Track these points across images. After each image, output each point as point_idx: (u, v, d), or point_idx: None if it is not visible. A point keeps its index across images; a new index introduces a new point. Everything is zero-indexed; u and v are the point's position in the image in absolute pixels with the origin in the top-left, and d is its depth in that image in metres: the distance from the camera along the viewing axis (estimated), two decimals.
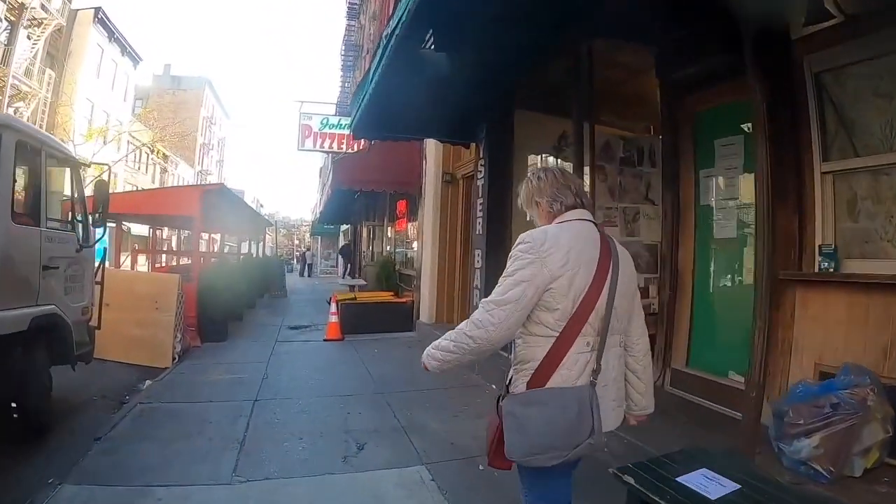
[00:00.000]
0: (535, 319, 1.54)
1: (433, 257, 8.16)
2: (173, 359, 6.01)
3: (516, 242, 1.56)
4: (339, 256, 23.36)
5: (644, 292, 4.46)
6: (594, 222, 1.66)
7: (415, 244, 9.62)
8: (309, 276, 29.24)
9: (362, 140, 11.76)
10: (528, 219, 1.82)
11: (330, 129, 11.71)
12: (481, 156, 5.85)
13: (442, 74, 4.58)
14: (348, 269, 22.19)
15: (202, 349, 6.86)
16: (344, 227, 28.06)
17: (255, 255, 16.04)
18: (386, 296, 9.39)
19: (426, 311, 8.26)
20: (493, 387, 4.78)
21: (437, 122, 5.64)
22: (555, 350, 1.51)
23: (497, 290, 1.53)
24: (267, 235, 26.22)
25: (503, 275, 1.55)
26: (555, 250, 1.50)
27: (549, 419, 1.48)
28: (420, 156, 8.62)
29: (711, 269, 4.28)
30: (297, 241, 50.58)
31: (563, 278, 1.49)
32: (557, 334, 1.51)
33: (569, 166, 5.49)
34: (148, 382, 5.19)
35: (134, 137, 27.84)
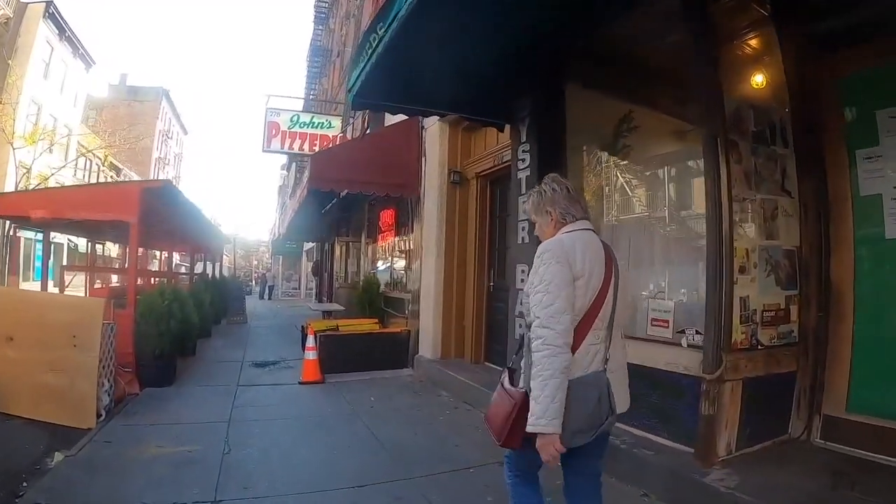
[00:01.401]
0: None
1: (438, 277, 6.67)
2: (99, 415, 4.27)
3: (539, 253, 1.74)
4: (313, 276, 21.39)
5: (783, 315, 3.15)
6: (594, 231, 1.86)
7: (407, 262, 8.10)
8: (269, 298, 26.98)
9: (338, 137, 10.30)
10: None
11: (301, 127, 10.10)
12: (523, 140, 4.46)
13: (479, 28, 3.38)
14: (317, 292, 20.43)
15: (141, 398, 5.10)
16: (308, 245, 26.19)
17: (210, 276, 14.04)
18: (372, 325, 7.80)
19: (428, 343, 6.71)
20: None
21: (465, 92, 4.23)
22: (573, 342, 1.65)
23: (546, 298, 1.64)
24: (224, 255, 24.00)
25: (542, 284, 1.67)
26: (574, 254, 1.70)
27: (578, 406, 1.63)
28: (418, 151, 7.19)
29: (882, 280, 3.09)
30: (255, 262, 47.79)
31: (582, 279, 1.68)
32: (575, 328, 1.66)
33: (633, 156, 4.23)
34: (58, 457, 3.46)
35: (82, 145, 25.31)
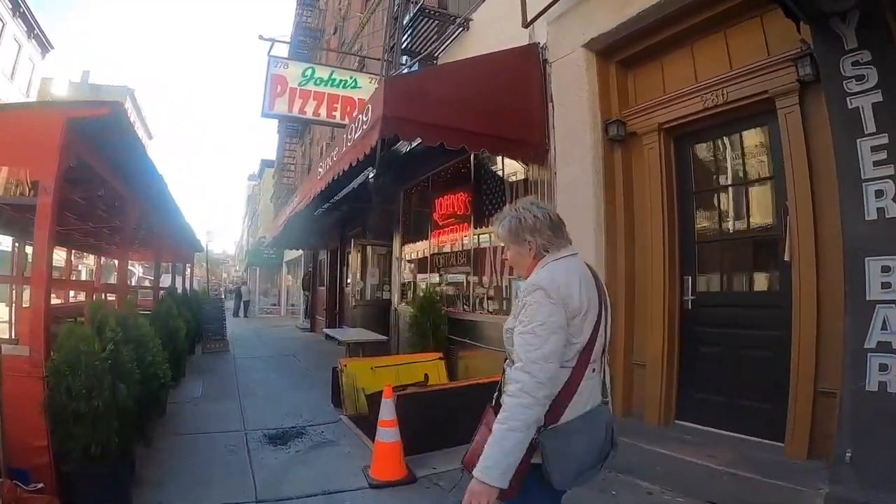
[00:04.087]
0: None
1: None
2: None
3: (529, 289, 1.51)
4: (303, 291, 18.22)
5: None
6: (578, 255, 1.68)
7: (510, 268, 5.34)
8: (245, 315, 23.50)
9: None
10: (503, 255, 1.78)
11: (317, 84, 7.21)
12: (851, 46, 2.04)
13: None
14: (308, 309, 17.26)
15: None
16: (292, 254, 22.92)
17: (181, 291, 10.88)
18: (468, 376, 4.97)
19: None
20: None
21: None
22: (571, 381, 1.53)
23: (534, 341, 1.45)
24: (192, 267, 20.42)
25: (530, 324, 1.46)
26: (571, 292, 1.52)
27: (587, 444, 1.55)
28: (541, 95, 4.52)
29: None
30: (225, 275, 43.71)
31: (579, 317, 1.52)
32: (573, 366, 1.53)
33: None
34: None
35: None
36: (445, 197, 6.35)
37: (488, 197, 5.57)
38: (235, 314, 22.64)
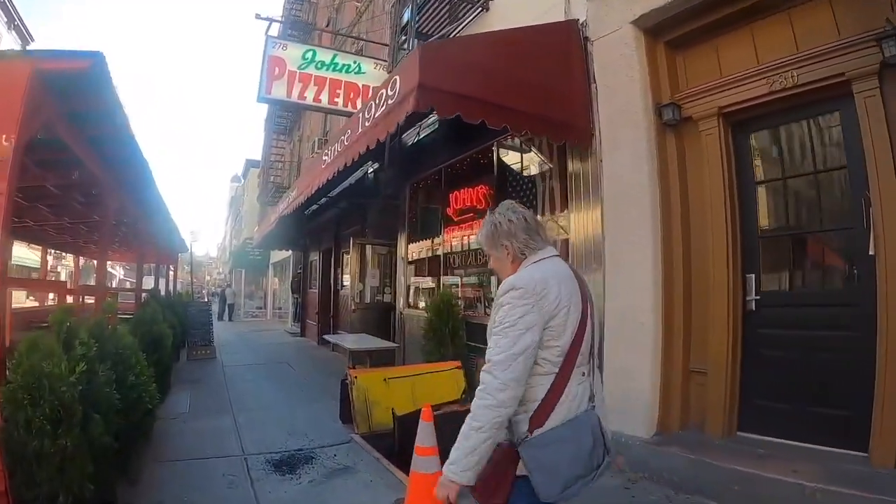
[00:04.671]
0: (536, 359, 1.48)
1: (650, 293, 3.48)
2: None
3: (504, 290, 1.51)
4: (292, 294, 17.47)
5: None
6: (561, 256, 1.66)
7: None
8: (230, 319, 22.63)
9: (370, 90, 6.77)
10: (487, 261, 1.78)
11: (318, 68, 6.59)
12: None
13: None
14: (297, 313, 16.54)
15: None
16: (279, 255, 22.06)
17: (164, 294, 10.17)
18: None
19: (635, 410, 3.48)
20: None
21: None
22: (556, 386, 1.49)
23: (502, 342, 1.44)
24: (172, 267, 19.51)
25: (501, 326, 1.46)
26: (547, 291, 1.48)
27: (573, 452, 1.49)
28: (584, 77, 4.02)
29: None
30: (208, 277, 42.48)
31: (558, 316, 1.49)
32: (557, 370, 1.50)
33: None
34: None
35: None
36: (463, 190, 5.80)
37: (515, 188, 5.05)
38: (220, 317, 21.74)
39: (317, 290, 13.46)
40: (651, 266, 3.54)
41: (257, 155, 26.94)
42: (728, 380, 3.41)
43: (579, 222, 4.19)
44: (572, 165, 4.28)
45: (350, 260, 8.95)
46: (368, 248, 8.88)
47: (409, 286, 6.96)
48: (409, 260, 7.01)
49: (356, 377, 4.56)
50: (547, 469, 1.46)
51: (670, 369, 3.56)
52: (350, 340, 6.36)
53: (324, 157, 5.17)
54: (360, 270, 8.81)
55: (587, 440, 1.50)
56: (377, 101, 3.66)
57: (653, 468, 3.29)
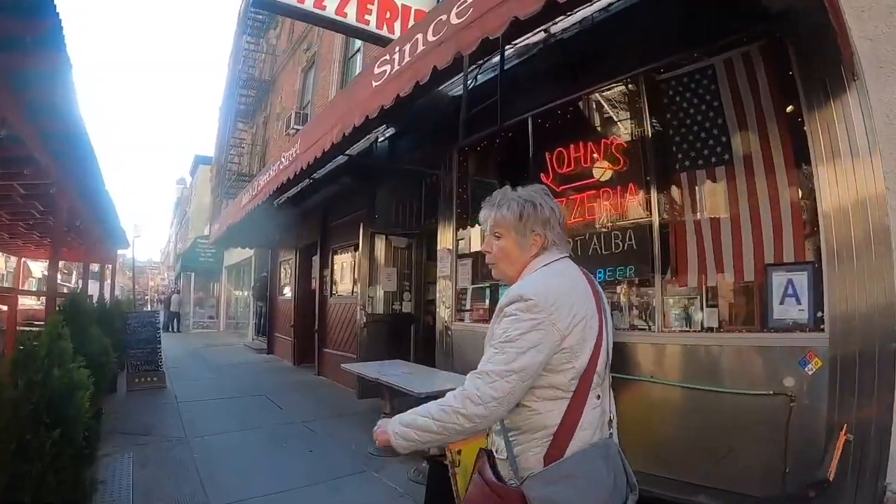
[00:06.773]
0: (544, 383, 1.24)
1: None
2: None
3: (509, 300, 1.25)
4: (256, 301, 14.91)
5: None
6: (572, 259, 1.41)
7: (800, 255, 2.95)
8: (178, 330, 19.63)
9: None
10: (484, 246, 1.44)
11: None
12: None
13: None
14: (261, 324, 13.97)
15: None
16: (235, 256, 19.12)
17: (98, 300, 7.62)
18: None
19: None
20: None
21: None
22: (571, 411, 1.25)
23: (496, 357, 1.21)
24: (109, 267, 16.31)
25: (498, 339, 1.23)
26: (560, 303, 1.23)
27: (585, 490, 1.21)
28: None
29: None
30: (152, 283, 38.32)
31: (573, 335, 1.23)
32: (571, 394, 1.25)
33: None
34: None
35: None
36: (577, 145, 3.84)
37: (688, 137, 3.17)
38: (166, 328, 18.72)
39: (291, 298, 11.11)
40: None
41: (208, 151, 24.01)
42: None
43: (834, 185, 2.40)
44: (806, 101, 2.48)
45: (358, 256, 6.81)
46: (380, 241, 6.79)
47: (459, 290, 4.93)
48: (460, 253, 4.99)
49: (459, 453, 2.52)
50: None
51: None
52: (404, 378, 4.19)
53: (373, 79, 3.12)
54: (370, 270, 6.69)
55: (601, 474, 1.23)
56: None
57: None
